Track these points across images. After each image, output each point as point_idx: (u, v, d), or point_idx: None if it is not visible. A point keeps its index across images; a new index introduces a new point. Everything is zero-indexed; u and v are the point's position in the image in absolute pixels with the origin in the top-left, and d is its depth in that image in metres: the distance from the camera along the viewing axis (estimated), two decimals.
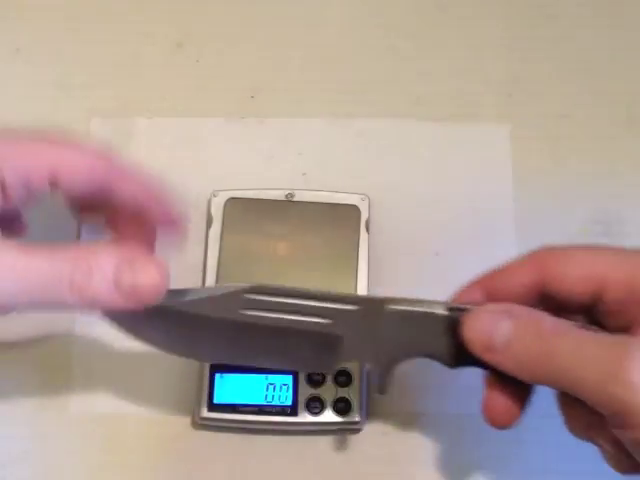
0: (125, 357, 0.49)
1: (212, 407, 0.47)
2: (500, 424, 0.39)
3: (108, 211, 0.45)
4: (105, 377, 0.49)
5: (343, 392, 0.47)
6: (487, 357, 0.37)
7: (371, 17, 0.57)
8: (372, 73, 0.56)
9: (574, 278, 0.38)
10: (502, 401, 0.39)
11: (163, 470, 0.48)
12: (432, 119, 0.55)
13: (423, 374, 0.49)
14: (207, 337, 0.40)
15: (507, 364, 0.37)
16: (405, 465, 0.48)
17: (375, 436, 0.48)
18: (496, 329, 0.37)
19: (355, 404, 0.47)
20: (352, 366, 0.47)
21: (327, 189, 0.51)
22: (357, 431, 0.48)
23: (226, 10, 0.58)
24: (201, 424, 0.47)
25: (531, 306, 0.38)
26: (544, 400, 0.49)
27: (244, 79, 0.56)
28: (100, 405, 0.49)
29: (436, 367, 0.49)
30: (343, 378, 0.47)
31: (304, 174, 0.54)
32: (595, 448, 0.47)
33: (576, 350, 0.35)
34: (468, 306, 0.39)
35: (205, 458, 0.48)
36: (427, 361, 0.49)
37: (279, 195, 0.51)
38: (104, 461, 0.48)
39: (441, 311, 0.39)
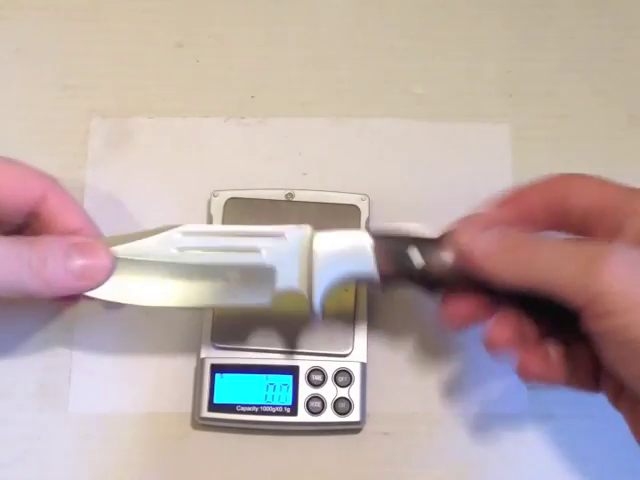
0: (125, 357, 0.50)
1: (212, 407, 0.47)
2: (455, 324, 0.42)
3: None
4: (105, 377, 0.49)
5: (343, 392, 0.47)
6: (476, 263, 0.40)
7: (371, 17, 0.57)
8: (372, 73, 0.56)
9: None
10: (461, 305, 0.42)
11: (163, 470, 0.48)
12: (432, 119, 0.55)
13: (423, 374, 0.49)
14: (145, 280, 0.43)
15: (491, 269, 0.39)
16: (405, 465, 0.48)
17: (375, 436, 0.48)
18: (482, 238, 0.40)
19: (355, 404, 0.47)
20: (352, 366, 0.47)
21: (327, 189, 0.51)
22: (357, 431, 0.48)
23: (226, 10, 0.58)
24: (201, 424, 0.47)
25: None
26: (544, 400, 0.49)
27: (244, 79, 0.56)
28: (99, 405, 0.49)
29: (436, 367, 0.49)
30: (343, 378, 0.47)
31: (304, 174, 0.53)
32: (594, 450, 0.48)
33: (556, 251, 0.38)
34: (390, 231, 0.43)
35: (205, 458, 0.48)
36: (426, 361, 0.50)
37: (279, 195, 0.51)
38: (104, 461, 0.48)
39: (367, 236, 0.42)
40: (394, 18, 0.58)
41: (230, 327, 0.48)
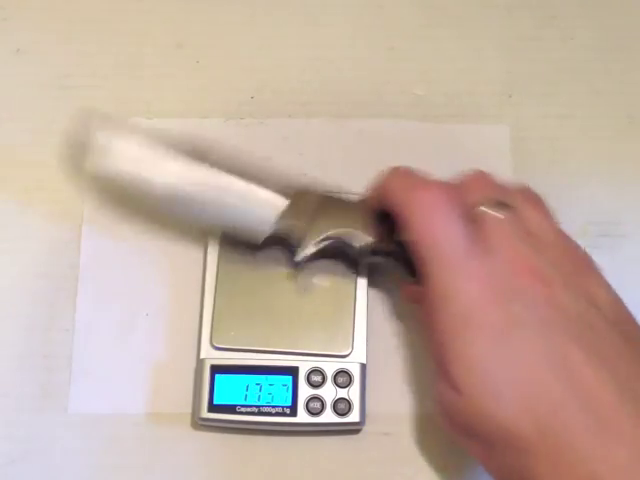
0: (125, 357, 0.50)
1: (212, 408, 0.47)
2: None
3: None
4: (105, 377, 0.49)
5: (343, 393, 0.47)
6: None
7: (371, 17, 0.57)
8: (372, 73, 0.56)
9: None
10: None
11: (163, 470, 0.48)
12: (432, 119, 0.55)
13: (423, 374, 0.49)
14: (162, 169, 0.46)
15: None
16: (405, 465, 0.48)
17: (375, 436, 0.48)
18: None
19: (355, 405, 0.47)
20: (352, 367, 0.47)
21: (327, 189, 0.51)
22: (357, 431, 0.48)
23: (226, 10, 0.58)
24: (201, 425, 0.48)
25: None
26: None
27: (244, 79, 0.56)
28: (100, 406, 0.49)
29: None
30: (343, 379, 0.47)
31: (304, 175, 0.53)
32: None
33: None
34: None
35: (205, 459, 0.48)
36: (426, 362, 0.50)
37: None
38: (104, 461, 0.48)
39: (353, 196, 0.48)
40: (394, 18, 0.57)
41: (230, 328, 0.48)
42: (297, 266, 0.48)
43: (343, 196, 0.48)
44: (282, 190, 0.47)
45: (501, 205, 0.42)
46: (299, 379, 0.47)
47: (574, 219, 0.52)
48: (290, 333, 0.48)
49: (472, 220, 0.42)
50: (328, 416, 0.47)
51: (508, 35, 0.57)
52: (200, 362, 0.48)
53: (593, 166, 0.54)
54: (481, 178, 0.45)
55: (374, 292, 0.50)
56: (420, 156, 0.54)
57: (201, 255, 0.51)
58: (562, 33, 0.57)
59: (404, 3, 0.58)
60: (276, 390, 0.47)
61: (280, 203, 0.47)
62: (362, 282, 0.49)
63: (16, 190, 0.53)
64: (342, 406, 0.47)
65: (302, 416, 0.47)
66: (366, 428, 0.48)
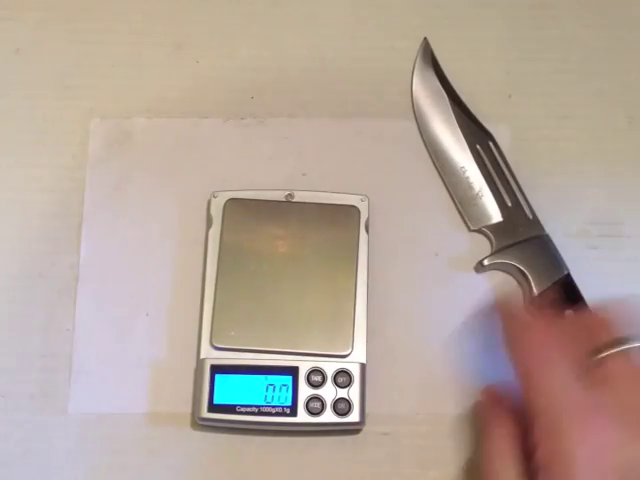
0: (125, 357, 0.50)
1: (212, 408, 0.47)
2: None
3: None
4: (105, 377, 0.49)
5: (343, 393, 0.47)
6: None
7: (371, 17, 0.57)
8: (372, 73, 0.56)
9: None
10: None
11: (163, 470, 0.48)
12: None
13: (422, 374, 0.49)
14: None
15: None
16: (405, 465, 0.48)
17: (375, 436, 0.48)
18: None
19: (355, 405, 0.47)
20: (352, 367, 0.47)
21: (327, 189, 0.51)
22: (357, 432, 0.48)
23: (226, 10, 0.58)
24: (201, 424, 0.48)
25: None
26: None
27: (244, 79, 0.56)
28: (100, 405, 0.49)
29: (435, 367, 0.50)
30: (343, 379, 0.47)
31: (304, 174, 0.54)
32: None
33: None
34: None
35: (205, 458, 0.48)
36: (426, 362, 0.50)
37: (279, 196, 0.51)
38: (104, 461, 0.48)
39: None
40: (394, 18, 0.57)
41: (230, 328, 0.48)
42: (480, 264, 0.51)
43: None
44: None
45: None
46: (299, 379, 0.47)
47: (574, 219, 0.52)
48: (290, 333, 0.48)
49: (591, 368, 0.41)
50: (328, 416, 0.47)
51: (508, 35, 0.57)
52: (200, 362, 0.48)
53: (593, 166, 0.54)
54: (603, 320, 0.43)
55: (374, 292, 0.50)
56: (420, 156, 0.54)
57: (201, 255, 0.51)
58: (562, 33, 0.57)
59: (404, 3, 0.58)
60: (276, 390, 0.47)
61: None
62: (362, 282, 0.49)
63: (16, 190, 0.53)
64: (342, 406, 0.47)
65: (302, 416, 0.47)
66: (366, 428, 0.48)
